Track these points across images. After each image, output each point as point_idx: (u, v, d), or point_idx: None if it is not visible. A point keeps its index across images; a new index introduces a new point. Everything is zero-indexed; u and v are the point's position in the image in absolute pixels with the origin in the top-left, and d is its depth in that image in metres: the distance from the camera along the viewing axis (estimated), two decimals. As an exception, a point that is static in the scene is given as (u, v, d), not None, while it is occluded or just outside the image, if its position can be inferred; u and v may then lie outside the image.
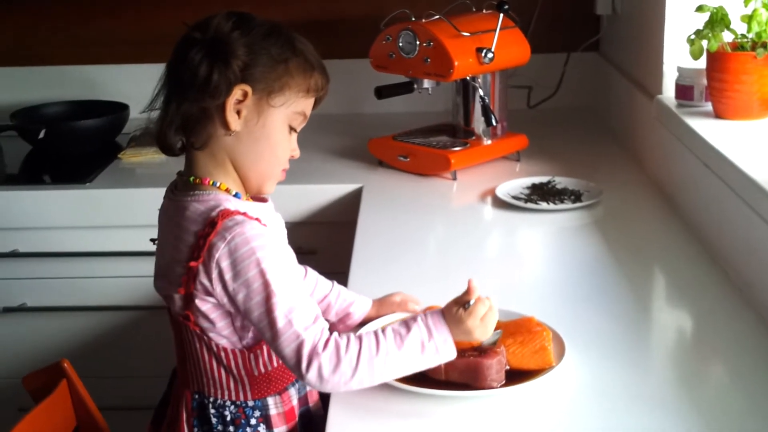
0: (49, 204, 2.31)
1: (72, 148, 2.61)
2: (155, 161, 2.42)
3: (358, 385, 1.30)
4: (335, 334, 1.31)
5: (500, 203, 2.12)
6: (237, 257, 1.30)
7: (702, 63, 1.94)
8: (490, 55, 2.22)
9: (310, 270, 1.61)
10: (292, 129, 1.41)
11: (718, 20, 1.87)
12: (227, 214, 1.32)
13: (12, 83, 2.90)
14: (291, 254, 1.37)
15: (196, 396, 1.43)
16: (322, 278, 1.61)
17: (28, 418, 1.46)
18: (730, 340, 1.50)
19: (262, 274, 1.29)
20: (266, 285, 1.29)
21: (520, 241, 2.00)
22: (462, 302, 1.34)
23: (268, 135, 1.38)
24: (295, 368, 1.29)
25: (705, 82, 1.97)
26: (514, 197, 2.12)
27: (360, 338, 1.30)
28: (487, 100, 2.31)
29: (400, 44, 2.26)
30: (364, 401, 1.32)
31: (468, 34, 2.24)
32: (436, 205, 2.18)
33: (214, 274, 1.31)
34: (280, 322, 1.28)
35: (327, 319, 1.57)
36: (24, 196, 2.31)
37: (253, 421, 1.40)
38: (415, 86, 2.33)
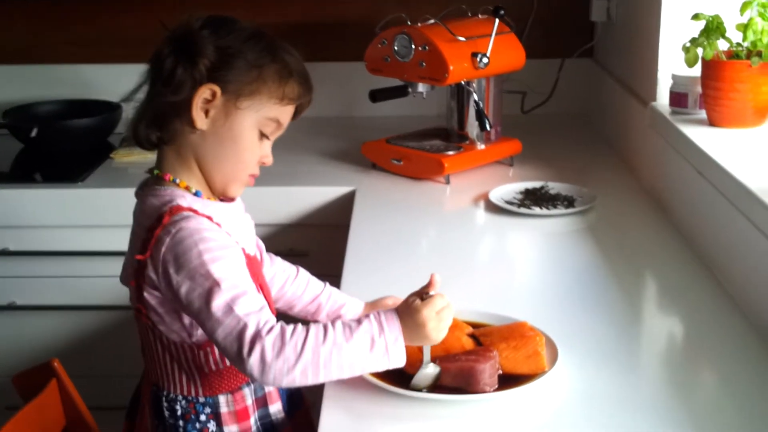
0: (41, 203, 2.30)
1: (64, 147, 2.60)
2: (147, 161, 2.40)
3: (301, 376, 1.25)
4: (281, 321, 1.28)
5: (493, 208, 2.12)
6: (179, 250, 1.29)
7: (697, 71, 1.95)
8: (485, 60, 2.22)
9: (301, 270, 1.62)
10: (263, 135, 1.40)
11: (713, 28, 1.87)
12: (177, 209, 1.33)
13: (4, 81, 2.89)
14: (239, 253, 1.35)
15: (154, 389, 1.43)
16: (314, 279, 1.61)
17: (18, 417, 1.45)
18: (721, 346, 1.50)
19: (203, 264, 1.28)
20: (208, 275, 1.28)
21: (513, 246, 2.00)
22: (420, 294, 1.32)
23: (234, 137, 1.37)
24: (236, 355, 1.25)
25: (699, 89, 1.97)
26: (508, 202, 2.12)
27: (308, 326, 1.27)
28: (481, 105, 2.31)
29: (396, 48, 2.26)
30: (357, 404, 1.32)
31: (463, 38, 2.24)
32: (429, 209, 2.18)
33: (160, 269, 1.31)
34: (221, 311, 1.26)
35: (317, 320, 1.58)
36: (15, 194, 2.30)
37: (202, 417, 1.40)
38: (410, 90, 2.33)
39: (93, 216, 2.29)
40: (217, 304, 1.26)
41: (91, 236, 2.29)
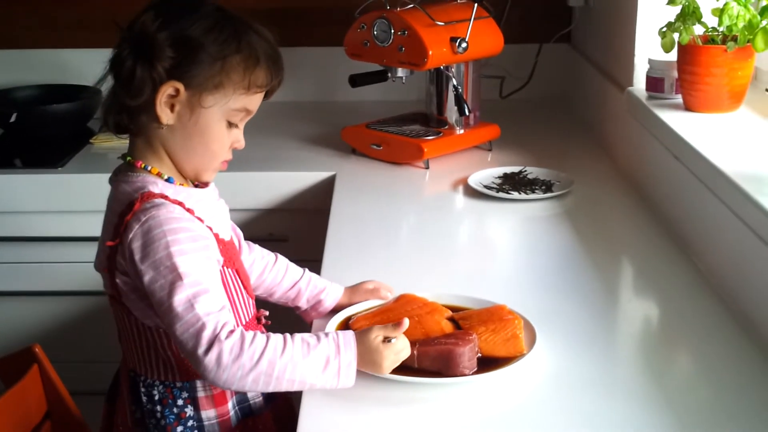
0: (20, 188, 2.29)
1: (44, 133, 2.59)
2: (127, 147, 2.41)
3: (252, 383, 1.27)
4: (241, 327, 1.30)
5: (472, 192, 2.13)
6: (147, 239, 1.30)
7: (673, 56, 1.96)
8: (464, 44, 2.23)
9: (280, 257, 1.62)
10: (232, 124, 1.39)
11: (689, 13, 1.88)
12: (148, 196, 1.33)
13: (-18, 67, 2.88)
14: (208, 246, 1.35)
15: (131, 374, 1.44)
16: (292, 265, 1.62)
17: None
18: (697, 330, 1.52)
19: (169, 256, 1.29)
20: (173, 268, 1.28)
21: (491, 230, 2.01)
22: (386, 333, 1.34)
23: (202, 131, 1.37)
24: (191, 352, 1.27)
25: (675, 74, 1.99)
26: (486, 186, 2.13)
27: (268, 337, 1.29)
28: (460, 90, 2.32)
29: (375, 32, 2.27)
30: (338, 388, 1.33)
31: (442, 23, 2.24)
32: (409, 193, 2.19)
33: (127, 255, 1.32)
34: (182, 306, 1.27)
35: (298, 306, 1.59)
36: (-6, 180, 2.30)
37: (180, 402, 1.41)
38: (389, 75, 2.34)
39: (73, 201, 2.28)
40: (179, 298, 1.27)
41: (71, 222, 2.29)
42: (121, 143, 2.43)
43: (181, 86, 1.32)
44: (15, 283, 2.35)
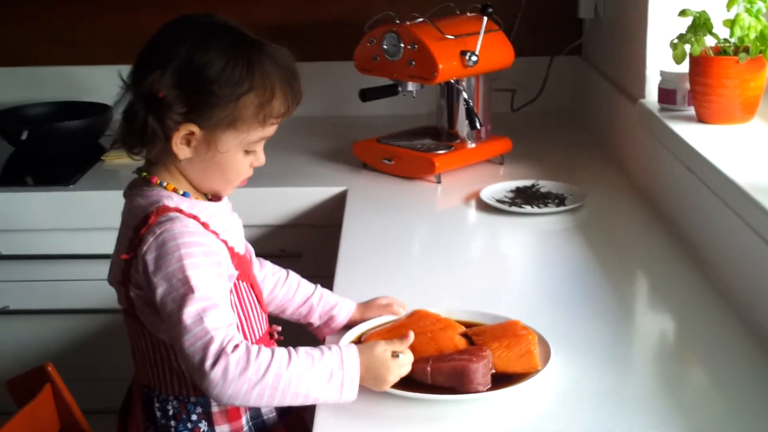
0: (32, 206, 2.29)
1: (55, 150, 2.59)
2: (138, 163, 2.41)
3: (257, 398, 1.27)
4: (246, 341, 1.29)
5: (484, 206, 2.12)
6: (161, 252, 1.31)
7: (685, 67, 1.95)
8: (474, 58, 2.22)
9: (291, 273, 1.62)
10: (249, 152, 1.40)
11: (700, 24, 1.88)
12: (163, 210, 1.34)
13: (-6, 84, 2.89)
14: (220, 261, 1.36)
15: (145, 390, 1.44)
16: (304, 281, 1.62)
17: (12, 422, 1.45)
18: (711, 343, 1.51)
19: (182, 269, 1.29)
20: (185, 281, 1.29)
21: (504, 245, 2.00)
22: (393, 348, 1.34)
23: (218, 163, 1.38)
24: (197, 366, 1.27)
25: (687, 86, 1.98)
26: (499, 201, 2.12)
27: (273, 350, 1.29)
28: (471, 103, 2.31)
29: (385, 47, 2.27)
30: (351, 405, 1.32)
31: (452, 37, 2.24)
32: (421, 208, 2.18)
33: (141, 268, 1.33)
34: (191, 319, 1.27)
35: (310, 323, 1.59)
36: (6, 197, 2.30)
37: (194, 417, 1.41)
38: (400, 89, 2.33)
39: (85, 219, 2.29)
40: (189, 311, 1.28)
41: (83, 239, 2.29)
42: (133, 161, 2.44)
43: (195, 128, 1.34)
44: (28, 302, 2.35)
